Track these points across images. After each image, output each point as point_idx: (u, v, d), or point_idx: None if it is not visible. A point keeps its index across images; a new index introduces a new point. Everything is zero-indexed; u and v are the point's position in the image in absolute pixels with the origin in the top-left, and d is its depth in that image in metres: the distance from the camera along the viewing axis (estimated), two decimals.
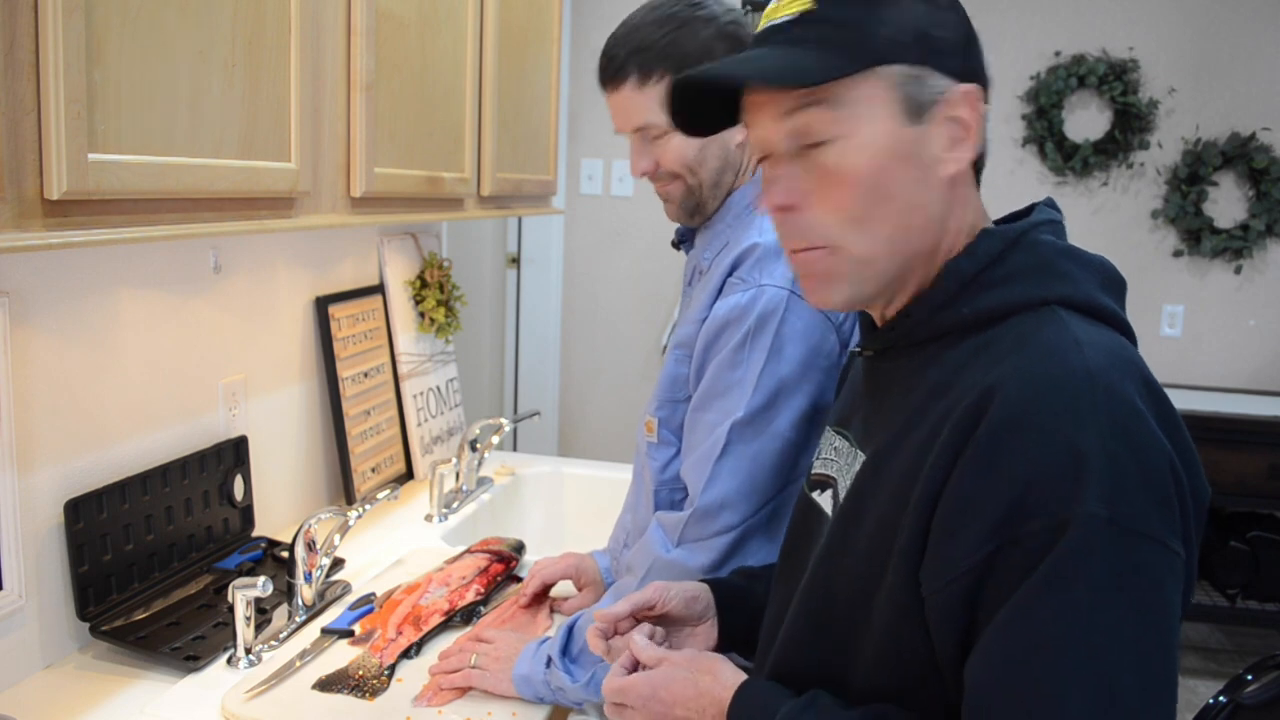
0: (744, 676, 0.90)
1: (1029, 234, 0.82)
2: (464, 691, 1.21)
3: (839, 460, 0.92)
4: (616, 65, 1.22)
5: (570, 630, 1.21)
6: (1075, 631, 0.68)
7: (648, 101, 1.21)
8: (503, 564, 1.54)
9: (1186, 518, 0.73)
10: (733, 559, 1.14)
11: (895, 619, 0.78)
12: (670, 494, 1.29)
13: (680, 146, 1.22)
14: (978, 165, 0.85)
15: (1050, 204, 0.88)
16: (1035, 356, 0.75)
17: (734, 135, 1.20)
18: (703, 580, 1.10)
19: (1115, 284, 0.83)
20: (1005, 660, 0.70)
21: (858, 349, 0.93)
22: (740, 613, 1.07)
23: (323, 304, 1.79)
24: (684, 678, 0.91)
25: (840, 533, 0.85)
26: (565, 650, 1.20)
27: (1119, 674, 0.67)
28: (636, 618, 1.04)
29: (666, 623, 1.05)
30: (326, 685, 1.21)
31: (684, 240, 1.36)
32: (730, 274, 1.20)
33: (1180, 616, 0.72)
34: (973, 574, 0.72)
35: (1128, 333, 0.81)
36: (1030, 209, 0.88)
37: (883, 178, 0.79)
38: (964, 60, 0.82)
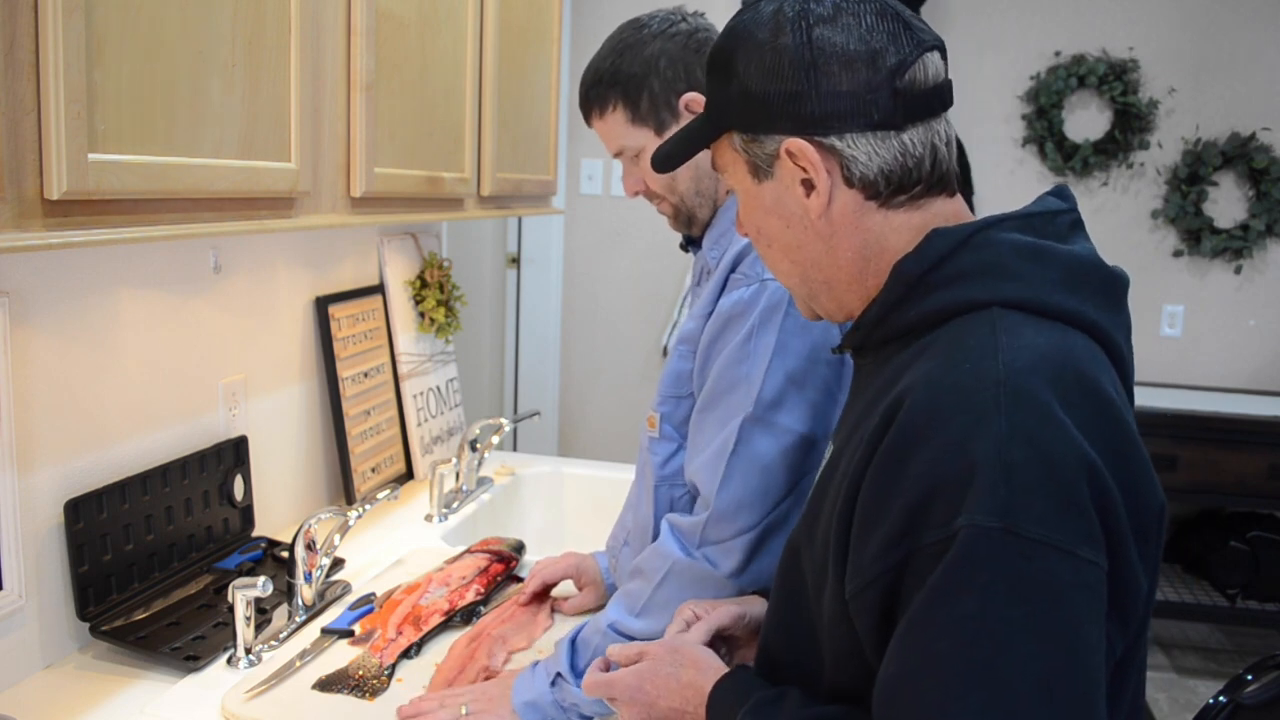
0: (725, 668, 0.92)
1: (984, 232, 0.80)
2: None
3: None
4: (581, 102, 1.32)
5: (573, 644, 1.20)
6: (965, 646, 0.66)
7: (613, 128, 1.29)
8: (503, 564, 1.54)
9: (1114, 525, 0.70)
10: (756, 559, 1.13)
11: (836, 618, 0.78)
12: (670, 490, 1.29)
13: (651, 168, 1.27)
14: (909, 181, 0.82)
15: (1057, 193, 0.86)
16: (948, 363, 0.74)
17: None
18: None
19: (1084, 280, 0.79)
20: (900, 675, 0.69)
21: (834, 349, 0.95)
22: None
23: (323, 304, 1.79)
24: (667, 672, 0.94)
25: (805, 527, 0.86)
26: (573, 665, 1.18)
27: (1016, 690, 0.64)
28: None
29: (731, 643, 1.06)
30: (326, 685, 1.21)
31: (692, 242, 1.37)
32: (733, 270, 1.21)
33: (1102, 628, 0.68)
34: (882, 581, 0.72)
35: (1095, 330, 0.78)
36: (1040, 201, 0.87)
37: (761, 226, 0.89)
38: (800, 108, 0.81)
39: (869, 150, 0.81)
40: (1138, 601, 0.73)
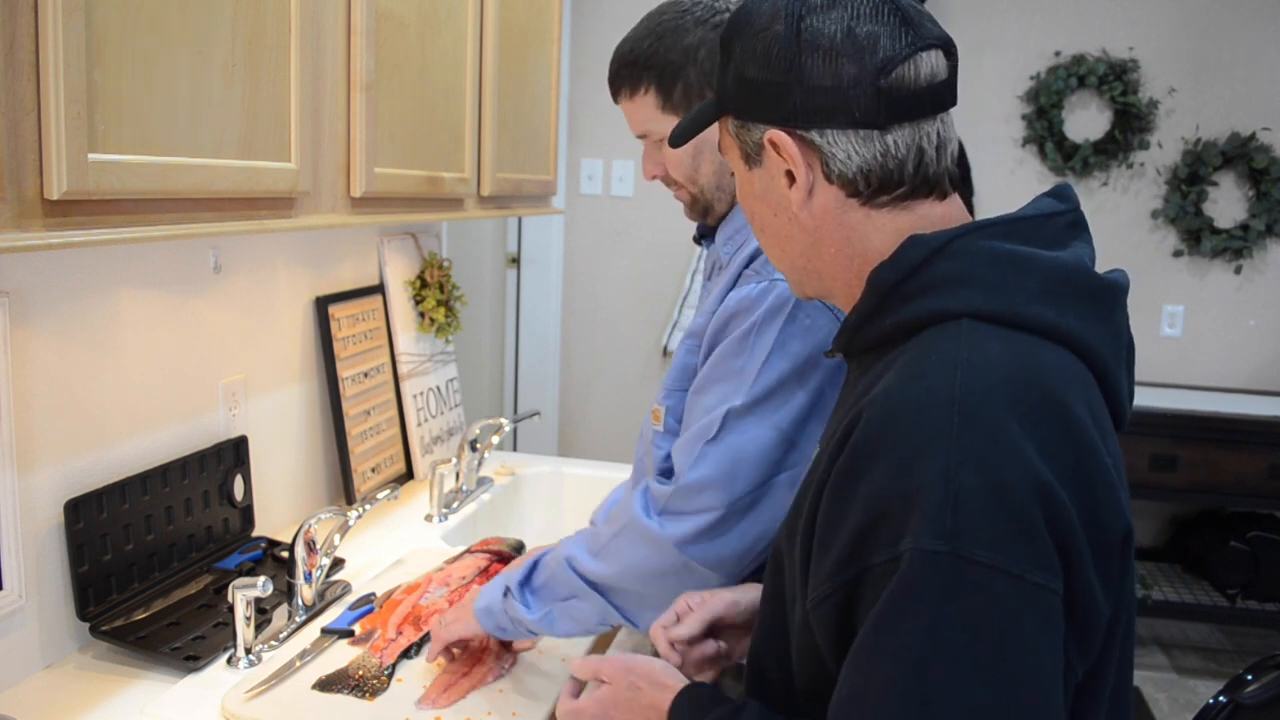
0: (682, 682, 0.92)
1: (960, 239, 0.78)
2: (466, 692, 1.21)
3: None
4: (612, 78, 1.30)
5: (535, 564, 1.22)
6: (909, 671, 0.65)
7: (641, 111, 1.27)
8: (503, 564, 1.54)
9: (1071, 547, 0.68)
10: (710, 539, 1.14)
11: (802, 622, 0.78)
12: None
13: (675, 155, 1.27)
14: (890, 182, 0.81)
15: (1055, 193, 0.84)
16: (907, 378, 0.73)
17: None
18: None
19: (1066, 289, 0.77)
20: (848, 699, 0.69)
21: (826, 353, 0.94)
22: None
23: (323, 304, 1.79)
24: (627, 697, 0.94)
25: (786, 529, 0.86)
26: (526, 581, 1.21)
27: (956, 718, 0.64)
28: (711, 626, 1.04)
29: (732, 632, 1.05)
30: (326, 685, 1.21)
31: (705, 235, 1.37)
32: (746, 266, 1.21)
33: (1057, 653, 0.67)
34: (837, 596, 0.71)
35: (1073, 342, 0.76)
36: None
37: (753, 211, 0.89)
38: (784, 100, 0.80)
39: (848, 149, 0.80)
40: (1098, 624, 0.72)
